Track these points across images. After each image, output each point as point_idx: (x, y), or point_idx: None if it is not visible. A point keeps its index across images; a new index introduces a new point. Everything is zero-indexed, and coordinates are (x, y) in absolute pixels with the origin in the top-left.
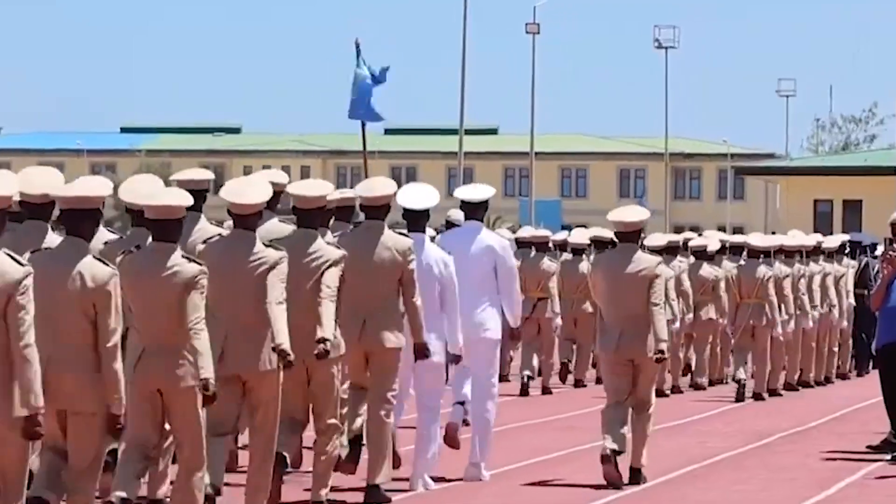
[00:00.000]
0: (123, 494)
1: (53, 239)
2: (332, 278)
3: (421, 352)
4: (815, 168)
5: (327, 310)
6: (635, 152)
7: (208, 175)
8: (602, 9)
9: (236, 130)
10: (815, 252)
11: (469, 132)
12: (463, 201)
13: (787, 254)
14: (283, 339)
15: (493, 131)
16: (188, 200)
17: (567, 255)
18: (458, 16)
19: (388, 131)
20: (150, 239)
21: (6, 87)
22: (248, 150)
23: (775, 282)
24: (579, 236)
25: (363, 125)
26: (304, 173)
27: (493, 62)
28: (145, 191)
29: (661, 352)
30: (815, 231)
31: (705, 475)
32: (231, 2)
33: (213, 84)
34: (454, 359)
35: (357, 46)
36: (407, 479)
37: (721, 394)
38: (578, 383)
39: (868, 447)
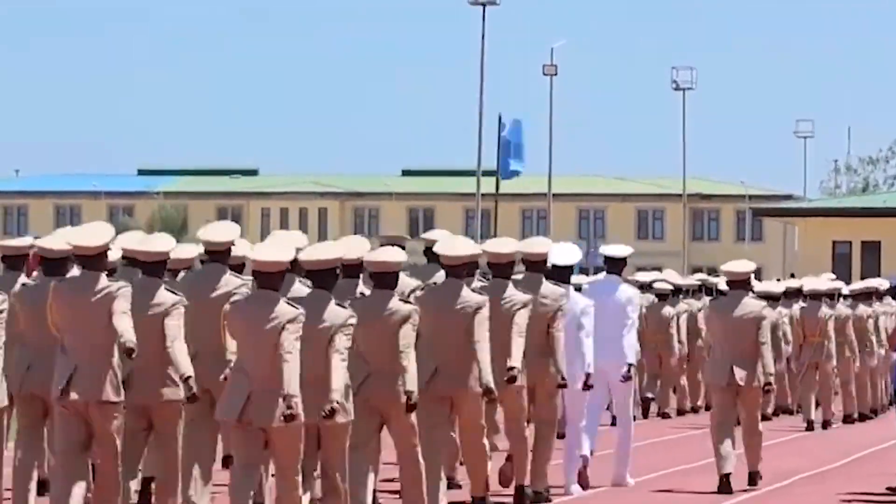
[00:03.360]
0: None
1: (300, 289)
2: (522, 319)
3: (562, 383)
4: (833, 209)
5: (517, 344)
6: (653, 193)
7: (406, 235)
8: (619, 50)
9: (254, 173)
10: (873, 295)
11: (487, 174)
12: (606, 257)
13: (854, 297)
14: (489, 375)
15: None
16: (404, 257)
17: (652, 298)
18: (475, 56)
19: (405, 173)
20: (359, 287)
21: (23, 130)
22: (265, 193)
23: (836, 322)
24: (662, 283)
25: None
26: (322, 215)
27: (511, 103)
28: (360, 247)
29: (769, 383)
30: (834, 272)
31: None
32: (247, 45)
33: (230, 126)
34: (587, 383)
35: (500, 120)
36: (562, 487)
37: (782, 425)
38: (664, 415)
39: (888, 488)
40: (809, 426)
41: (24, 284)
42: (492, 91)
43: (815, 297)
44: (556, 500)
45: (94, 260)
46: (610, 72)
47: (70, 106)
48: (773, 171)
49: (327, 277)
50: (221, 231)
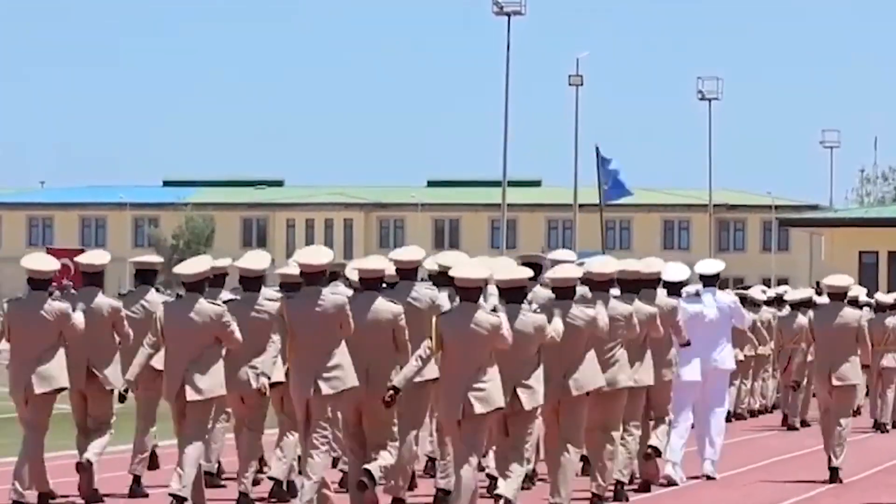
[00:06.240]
0: None
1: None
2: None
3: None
4: (859, 219)
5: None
6: (679, 204)
7: (542, 255)
8: (645, 60)
9: (279, 183)
10: None
11: (512, 184)
12: (701, 275)
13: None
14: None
15: (537, 183)
16: (580, 273)
17: None
18: (500, 67)
19: (430, 184)
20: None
21: (48, 142)
22: (290, 203)
23: None
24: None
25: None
26: (347, 226)
27: (536, 114)
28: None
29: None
30: (861, 283)
31: None
32: (272, 56)
33: (255, 137)
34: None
35: (597, 151)
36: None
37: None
38: (738, 417)
39: None
40: (882, 428)
41: (227, 301)
42: (517, 101)
43: (881, 308)
44: (671, 489)
45: (316, 276)
46: (635, 82)
47: (95, 117)
48: (799, 181)
49: (517, 293)
50: (410, 252)
